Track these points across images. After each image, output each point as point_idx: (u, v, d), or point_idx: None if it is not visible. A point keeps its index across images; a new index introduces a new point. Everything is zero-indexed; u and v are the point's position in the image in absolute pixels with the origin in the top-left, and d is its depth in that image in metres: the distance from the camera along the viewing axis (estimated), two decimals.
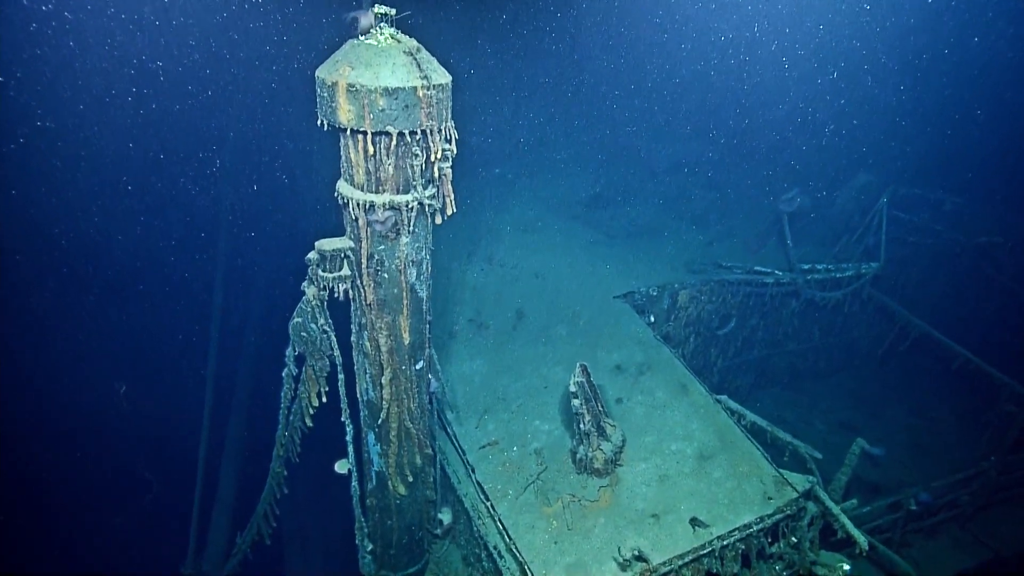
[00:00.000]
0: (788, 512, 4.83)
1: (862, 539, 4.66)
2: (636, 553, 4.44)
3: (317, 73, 3.49)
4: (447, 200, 3.90)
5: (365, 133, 3.44)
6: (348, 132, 3.50)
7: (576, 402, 4.81)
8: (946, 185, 11.33)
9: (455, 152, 3.76)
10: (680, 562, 4.49)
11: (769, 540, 4.93)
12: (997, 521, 8.23)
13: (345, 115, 3.40)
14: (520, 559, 4.58)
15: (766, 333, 9.29)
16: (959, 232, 10.57)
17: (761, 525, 4.75)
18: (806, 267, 8.84)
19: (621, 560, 4.41)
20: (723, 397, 5.94)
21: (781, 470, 5.15)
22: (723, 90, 12.87)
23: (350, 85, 3.31)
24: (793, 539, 4.96)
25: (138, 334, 11.48)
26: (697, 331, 8.45)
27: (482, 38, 10.75)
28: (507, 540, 4.75)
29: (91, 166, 10.79)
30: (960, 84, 13.10)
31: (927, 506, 7.36)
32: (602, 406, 5.06)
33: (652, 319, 7.69)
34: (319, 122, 3.58)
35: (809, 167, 11.64)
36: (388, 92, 3.31)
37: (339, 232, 3.98)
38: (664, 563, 4.45)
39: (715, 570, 4.70)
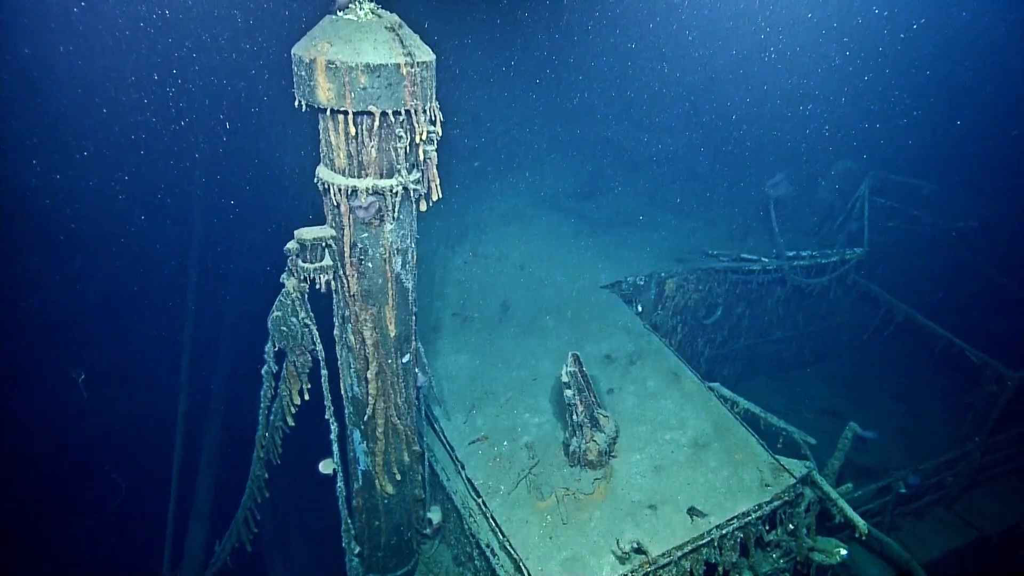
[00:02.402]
0: (786, 498, 4.77)
1: (862, 523, 4.61)
2: (635, 545, 4.33)
3: (294, 50, 3.29)
4: (432, 185, 3.73)
5: (346, 113, 3.26)
6: (328, 112, 3.31)
7: (569, 392, 4.68)
8: (923, 171, 11.46)
9: (440, 134, 3.60)
10: (679, 553, 4.39)
11: (767, 528, 4.87)
12: (981, 501, 8.37)
13: (324, 94, 3.21)
14: (515, 556, 4.44)
15: (752, 322, 9.28)
16: (937, 217, 10.70)
17: (759, 513, 4.68)
18: (791, 254, 8.84)
19: (620, 553, 4.30)
20: (715, 385, 5.87)
21: (777, 456, 5.09)
22: (706, 81, 12.85)
23: (329, 62, 3.12)
24: (790, 526, 4.90)
25: (100, 310, 9.96)
26: (684, 320, 8.40)
27: (463, 27, 10.51)
28: (500, 537, 4.61)
29: (35, 112, 9.13)
30: (937, 76, 13.29)
31: (916, 489, 7.41)
32: (595, 396, 4.93)
33: (640, 308, 7.61)
34: (296, 103, 3.38)
35: (792, 155, 11.68)
36: (370, 69, 3.14)
37: (319, 220, 3.79)
38: (663, 555, 4.35)
39: (713, 560, 4.61)
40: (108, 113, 9.82)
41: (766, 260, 8.56)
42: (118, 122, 9.96)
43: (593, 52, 12.24)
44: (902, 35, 13.10)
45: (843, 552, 4.91)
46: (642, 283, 7.68)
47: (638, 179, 11.07)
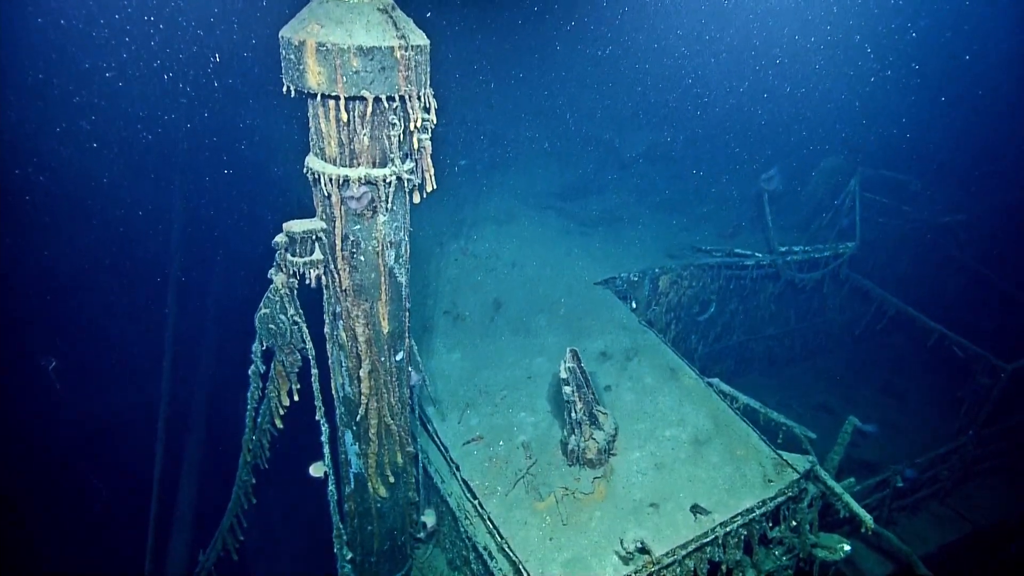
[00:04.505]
0: (790, 494, 4.69)
1: (868, 518, 4.54)
2: (639, 545, 4.21)
3: (282, 33, 3.15)
4: (427, 175, 3.60)
5: (337, 98, 3.12)
6: (318, 98, 3.17)
7: (568, 389, 4.56)
8: (911, 167, 11.53)
9: (435, 122, 3.47)
10: (684, 552, 4.28)
11: (770, 524, 4.78)
12: (974, 495, 8.39)
13: (315, 78, 3.07)
14: (514, 559, 4.31)
15: (745, 318, 9.25)
16: (924, 212, 10.75)
17: (763, 509, 4.59)
18: (783, 249, 8.81)
19: (623, 553, 4.18)
20: (714, 380, 5.79)
21: (779, 451, 5.00)
22: (692, 80, 12.84)
23: (320, 44, 2.98)
24: (793, 522, 4.81)
25: (72, 288, 8.74)
26: (678, 317, 8.33)
27: (450, 26, 10.37)
28: (498, 539, 4.48)
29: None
30: (925, 73, 13.40)
31: (912, 482, 7.40)
32: (594, 393, 4.82)
33: (634, 305, 7.51)
34: (285, 88, 3.23)
35: (784, 150, 11.69)
36: (363, 52, 3.00)
37: (308, 213, 3.63)
38: (667, 554, 4.24)
39: (717, 558, 4.51)
40: (75, 40, 8.16)
41: (759, 255, 8.52)
42: (88, 53, 8.24)
43: (584, 50, 12.17)
44: (891, 27, 13.18)
45: (846, 548, 4.84)
46: (636, 279, 7.60)
47: (628, 176, 11.01)
